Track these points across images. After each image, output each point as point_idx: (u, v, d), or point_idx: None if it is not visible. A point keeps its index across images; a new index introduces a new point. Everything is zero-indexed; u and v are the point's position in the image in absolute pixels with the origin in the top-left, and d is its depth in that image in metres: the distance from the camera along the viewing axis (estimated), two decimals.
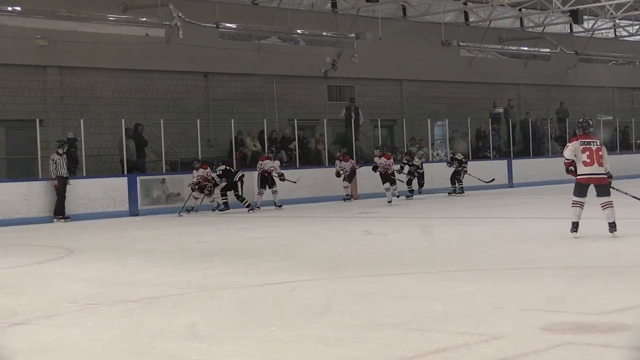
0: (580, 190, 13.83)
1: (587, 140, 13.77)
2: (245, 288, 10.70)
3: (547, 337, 7.12)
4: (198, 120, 27.29)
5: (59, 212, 22.92)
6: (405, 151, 29.37)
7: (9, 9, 24.62)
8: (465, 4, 37.55)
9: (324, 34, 32.03)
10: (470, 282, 10.61)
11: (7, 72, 25.80)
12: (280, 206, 25.06)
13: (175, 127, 27.18)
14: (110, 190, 23.02)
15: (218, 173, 23.93)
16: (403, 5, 35.48)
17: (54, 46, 26.13)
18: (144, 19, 27.65)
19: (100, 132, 26.31)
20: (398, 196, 26.02)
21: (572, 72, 40.81)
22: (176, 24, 27.57)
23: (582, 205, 13.74)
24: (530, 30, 40.56)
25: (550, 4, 36.68)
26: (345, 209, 24.56)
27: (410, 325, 7.88)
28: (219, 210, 24.06)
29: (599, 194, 13.74)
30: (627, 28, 45.25)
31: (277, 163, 25.52)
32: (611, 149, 38.52)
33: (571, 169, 14.11)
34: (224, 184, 23.95)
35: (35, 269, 13.60)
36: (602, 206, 13.71)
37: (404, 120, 34.15)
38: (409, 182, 27.13)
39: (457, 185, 28.03)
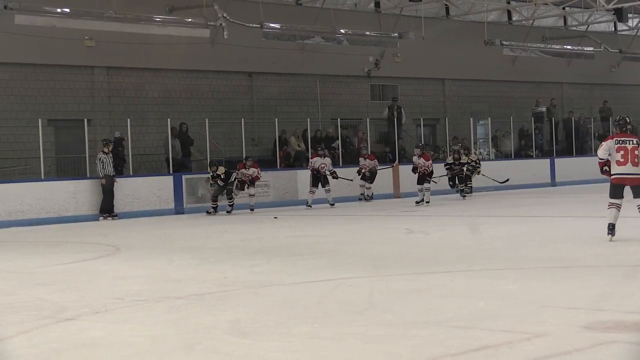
0: (615, 191, 13.45)
1: (623, 139, 13.37)
2: (289, 285, 10.77)
3: (591, 335, 7.13)
4: (242, 119, 27.35)
5: (105, 210, 23.09)
6: (456, 149, 28.60)
7: (58, 10, 24.75)
8: (508, 2, 37.36)
9: (367, 33, 31.90)
10: (514, 281, 10.60)
11: (55, 72, 25.97)
12: (333, 205, 24.90)
13: (219, 126, 27.24)
14: (156, 188, 23.17)
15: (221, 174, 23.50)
16: (446, 5, 35.37)
17: (101, 47, 26.30)
18: (189, 20, 27.68)
19: (147, 131, 26.46)
20: (428, 202, 24.98)
21: (616, 70, 40.49)
22: (221, 24, 27.61)
23: (619, 207, 13.36)
24: (574, 28, 40.30)
25: (595, 3, 36.34)
26: (389, 207, 24.49)
27: (453, 323, 7.92)
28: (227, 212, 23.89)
29: (635, 195, 13.40)
30: None
31: (328, 160, 25.27)
32: None
33: (605, 169, 13.77)
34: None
35: (84, 266, 13.73)
36: (639, 208, 13.40)
37: (446, 119, 34.00)
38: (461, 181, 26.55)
39: (465, 186, 26.95)
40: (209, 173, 23.52)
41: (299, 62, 30.55)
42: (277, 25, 29.39)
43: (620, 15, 37.27)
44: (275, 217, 15.21)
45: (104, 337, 8.00)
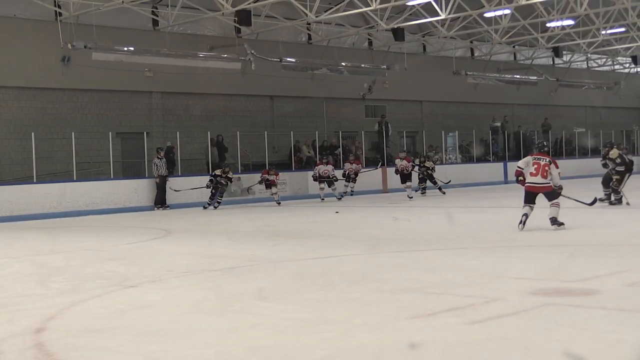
0: (528, 197, 13.48)
1: (539, 157, 13.54)
2: (301, 261, 10.82)
3: (534, 299, 7.20)
4: (265, 132, 27.33)
5: (159, 202, 23.30)
6: (424, 155, 28.48)
7: (125, 49, 25.04)
8: (471, 42, 37.30)
9: (362, 65, 32.06)
10: (476, 257, 10.64)
11: (122, 96, 26.06)
12: (340, 198, 24.84)
13: (248, 137, 27.26)
14: (199, 185, 23.13)
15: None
16: (423, 44, 35.39)
17: (158, 76, 26.38)
18: (225, 55, 27.85)
19: (192, 141, 26.48)
20: (415, 191, 25.31)
21: (554, 94, 40.45)
22: (249, 59, 27.71)
23: (532, 207, 13.40)
24: (522, 62, 40.28)
25: (537, 42, 36.43)
26: (379, 200, 24.48)
27: (428, 290, 7.97)
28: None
29: (548, 199, 13.44)
30: (597, 60, 44.79)
31: (330, 167, 25.15)
32: (584, 154, 38.32)
33: (520, 179, 13.83)
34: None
35: (143, 245, 13.80)
36: (550, 205, 13.40)
37: (423, 132, 34.04)
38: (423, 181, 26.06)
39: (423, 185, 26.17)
40: (218, 174, 22.98)
41: (310, 88, 30.57)
42: (292, 60, 29.51)
43: (557, 52, 37.44)
44: (337, 212, 14.92)
45: (158, 300, 8.05)
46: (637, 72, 46.58)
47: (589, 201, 16.02)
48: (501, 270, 9.27)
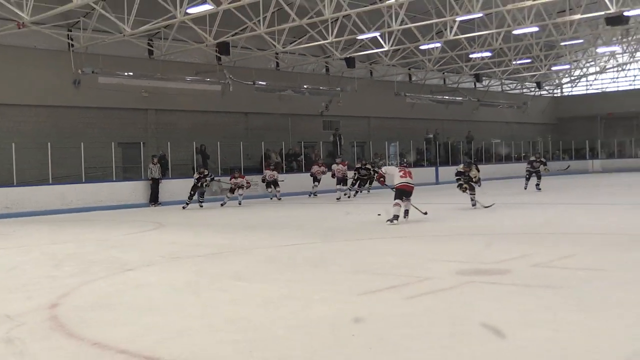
0: (399, 194, 13.92)
1: (405, 168, 14.47)
2: (271, 248, 10.81)
3: (460, 278, 7.29)
4: (241, 142, 27.29)
5: (153, 200, 23.11)
6: (371, 161, 28.23)
7: (125, 74, 24.96)
8: (409, 69, 37.52)
9: (320, 88, 32.12)
10: (412, 244, 10.73)
11: (123, 113, 25.82)
12: (280, 199, 24.01)
13: (226, 146, 27.14)
14: (186, 186, 22.95)
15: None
16: (370, 70, 35.52)
17: (152, 97, 26.18)
18: (207, 79, 27.80)
19: (180, 150, 26.28)
20: (349, 196, 23.94)
21: (475, 112, 40.80)
22: (228, 82, 27.76)
23: (401, 205, 13.75)
24: (450, 85, 40.63)
25: (462, 70, 36.77)
26: (333, 198, 24.49)
27: (374, 271, 8.02)
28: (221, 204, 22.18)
29: (407, 197, 14.01)
30: (509, 85, 45.33)
31: (275, 173, 24.47)
32: (499, 160, 38.71)
33: (381, 179, 16.28)
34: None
35: (139, 236, 13.69)
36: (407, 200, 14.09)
37: (370, 142, 34.14)
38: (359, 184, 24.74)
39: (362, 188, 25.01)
40: (196, 176, 21.76)
41: (277, 106, 30.54)
42: (263, 83, 29.49)
43: (478, 77, 37.90)
44: (379, 214, 14.22)
45: (153, 281, 8.05)
46: (540, 94, 47.29)
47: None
48: (433, 254, 9.35)
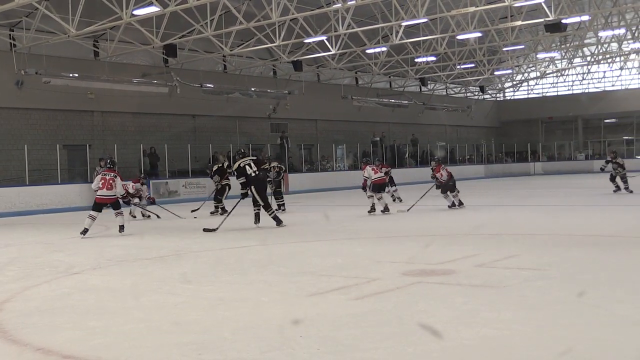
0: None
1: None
2: (218, 250, 10.74)
3: (406, 278, 7.33)
4: (189, 145, 27.15)
5: None
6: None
7: (70, 75, 24.48)
8: (356, 73, 37.72)
9: (268, 91, 32.04)
10: (359, 245, 10.75)
11: (68, 114, 25.46)
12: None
13: (174, 149, 26.93)
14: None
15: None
16: (317, 74, 35.61)
17: (98, 98, 25.83)
18: (155, 82, 27.52)
19: (127, 152, 26.01)
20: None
21: (421, 115, 41.25)
22: (175, 84, 27.50)
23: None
24: (396, 89, 40.98)
25: (408, 74, 37.16)
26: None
27: (321, 272, 8.02)
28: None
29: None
30: (453, 89, 45.98)
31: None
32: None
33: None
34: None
35: (85, 239, 13.41)
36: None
37: (318, 145, 34.29)
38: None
39: None
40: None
41: (225, 108, 30.37)
42: (211, 85, 29.32)
43: (423, 82, 38.31)
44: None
45: (99, 284, 7.92)
46: (484, 98, 48.06)
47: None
48: (379, 256, 9.39)
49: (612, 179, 21.07)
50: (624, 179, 20.81)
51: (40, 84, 23.79)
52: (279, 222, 13.70)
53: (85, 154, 24.25)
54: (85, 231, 13.09)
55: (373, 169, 16.13)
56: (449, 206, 16.84)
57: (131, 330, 5.49)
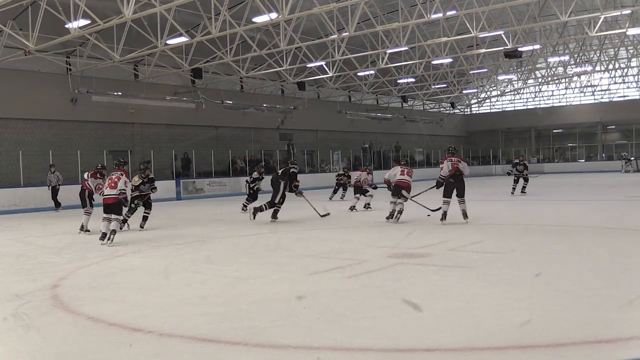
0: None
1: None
2: (237, 237, 10.71)
3: (391, 260, 7.32)
4: (212, 150, 27.10)
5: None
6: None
7: (115, 94, 24.53)
8: (349, 92, 37.68)
9: (277, 106, 31.99)
10: (352, 233, 10.73)
11: (113, 126, 25.34)
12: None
13: (200, 154, 26.91)
14: (166, 189, 22.65)
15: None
16: (318, 92, 35.56)
17: (138, 113, 25.77)
18: (184, 99, 27.51)
19: (161, 157, 25.99)
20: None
21: (402, 126, 41.21)
22: (201, 101, 27.48)
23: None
24: (382, 105, 40.93)
25: (392, 92, 37.12)
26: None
27: (321, 255, 8.01)
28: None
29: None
30: (429, 104, 45.89)
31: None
32: (421, 165, 39.11)
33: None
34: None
35: (124, 231, 13.28)
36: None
37: (318, 151, 34.23)
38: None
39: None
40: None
41: (242, 121, 30.33)
42: (230, 102, 29.28)
43: (404, 99, 38.23)
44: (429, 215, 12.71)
45: (138, 265, 7.92)
46: (454, 112, 48.00)
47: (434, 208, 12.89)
48: (368, 241, 9.37)
49: (516, 181, 19.77)
50: (523, 180, 19.67)
51: (90, 101, 23.88)
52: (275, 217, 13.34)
53: (128, 159, 24.17)
54: (103, 235, 10.08)
55: (402, 171, 12.69)
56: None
57: (165, 303, 5.48)
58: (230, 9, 19.45)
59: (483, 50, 27.61)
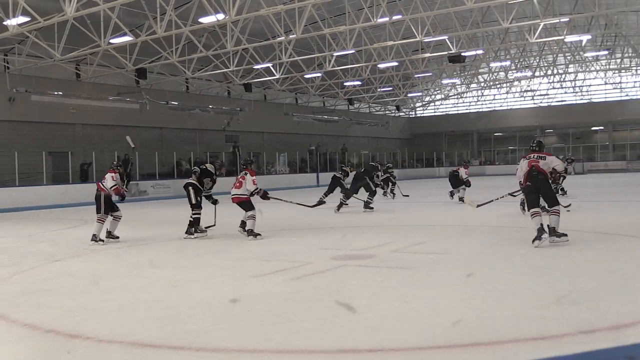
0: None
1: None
2: (179, 240, 10.54)
3: (334, 262, 7.34)
4: (156, 152, 26.69)
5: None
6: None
7: (55, 93, 23.97)
8: (296, 94, 37.73)
9: (223, 108, 31.85)
10: (297, 236, 10.73)
11: (53, 126, 24.81)
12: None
13: (144, 156, 26.45)
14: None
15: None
16: (264, 94, 35.49)
17: (80, 113, 25.29)
18: (127, 99, 27.07)
19: (104, 158, 25.41)
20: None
21: (349, 129, 41.51)
22: (145, 101, 27.07)
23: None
24: (328, 107, 41.13)
25: (338, 95, 37.36)
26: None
27: (264, 258, 7.98)
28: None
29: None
30: (375, 107, 46.37)
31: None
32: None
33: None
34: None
35: (66, 231, 13.05)
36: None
37: (264, 152, 34.10)
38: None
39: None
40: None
41: (187, 122, 30.06)
42: (175, 103, 28.99)
43: (350, 101, 38.59)
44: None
45: (76, 270, 7.72)
46: (399, 115, 48.69)
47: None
48: (313, 244, 9.38)
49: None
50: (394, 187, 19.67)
51: (29, 101, 23.28)
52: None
53: (68, 160, 23.70)
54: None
55: (466, 172, 16.28)
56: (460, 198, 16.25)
57: (104, 309, 5.36)
58: (177, 9, 19.23)
59: (428, 55, 28.11)
